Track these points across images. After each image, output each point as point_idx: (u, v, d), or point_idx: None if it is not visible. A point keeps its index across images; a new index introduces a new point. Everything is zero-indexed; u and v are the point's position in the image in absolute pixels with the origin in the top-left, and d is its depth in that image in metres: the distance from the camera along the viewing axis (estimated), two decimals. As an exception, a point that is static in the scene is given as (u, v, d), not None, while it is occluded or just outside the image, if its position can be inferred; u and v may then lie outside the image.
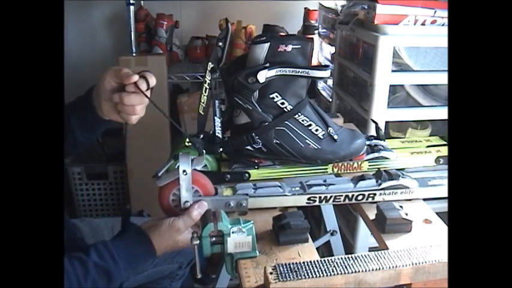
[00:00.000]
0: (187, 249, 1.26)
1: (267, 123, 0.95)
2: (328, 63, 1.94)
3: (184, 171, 0.83)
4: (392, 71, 1.28)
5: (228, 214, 0.85)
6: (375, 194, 0.92)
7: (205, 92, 0.95)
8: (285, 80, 0.92)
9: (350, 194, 0.92)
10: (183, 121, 2.06)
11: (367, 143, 1.04)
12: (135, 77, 0.82)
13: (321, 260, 0.69)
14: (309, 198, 0.91)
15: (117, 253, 0.83)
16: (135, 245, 0.85)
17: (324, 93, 1.94)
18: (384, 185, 0.92)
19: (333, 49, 1.83)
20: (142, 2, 2.18)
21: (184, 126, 2.06)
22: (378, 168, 0.98)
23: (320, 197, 0.91)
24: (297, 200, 0.91)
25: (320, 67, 0.92)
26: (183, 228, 0.85)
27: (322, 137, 0.97)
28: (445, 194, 0.93)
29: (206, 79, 0.94)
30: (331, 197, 0.92)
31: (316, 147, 0.97)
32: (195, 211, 0.85)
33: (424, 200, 0.95)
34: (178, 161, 0.83)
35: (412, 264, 0.70)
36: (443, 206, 1.16)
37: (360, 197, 0.92)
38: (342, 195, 0.92)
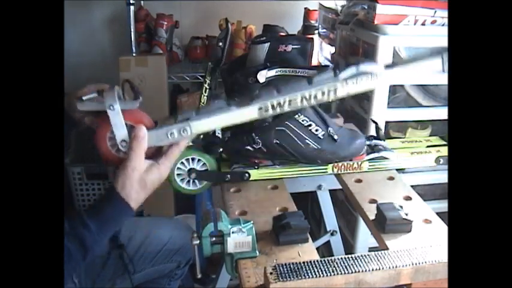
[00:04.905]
0: (185, 248, 1.27)
1: (267, 123, 0.95)
2: (328, 63, 1.93)
3: (110, 106, 0.77)
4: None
5: (228, 214, 0.85)
6: (336, 88, 0.81)
7: (205, 92, 0.95)
8: (285, 80, 0.92)
9: (307, 94, 0.81)
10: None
11: (367, 143, 1.04)
12: None
13: (321, 260, 0.69)
14: (260, 108, 0.82)
15: (88, 217, 0.77)
16: (105, 204, 0.80)
17: (324, 93, 1.94)
18: (343, 75, 0.81)
19: (333, 49, 1.83)
20: (142, 2, 2.18)
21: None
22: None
23: (272, 105, 0.82)
24: (246, 113, 0.82)
25: (320, 67, 0.92)
26: (136, 164, 0.79)
27: (322, 137, 0.97)
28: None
29: (206, 79, 0.94)
30: (284, 102, 0.82)
31: (316, 147, 0.97)
32: (134, 140, 0.79)
33: (424, 200, 0.95)
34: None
35: (412, 264, 0.70)
36: (443, 206, 1.17)
37: (319, 95, 0.81)
38: (297, 98, 0.82)
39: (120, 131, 0.79)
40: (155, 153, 0.82)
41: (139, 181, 0.79)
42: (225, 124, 0.83)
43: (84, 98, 0.81)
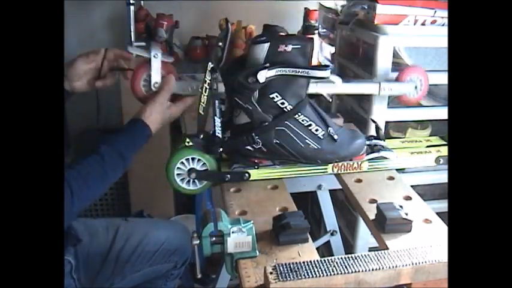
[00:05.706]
0: (182, 249, 1.27)
1: (267, 123, 0.95)
2: (328, 63, 1.93)
3: (155, 54, 1.01)
4: (392, 71, 1.28)
5: (228, 214, 0.85)
6: None
7: (205, 92, 0.95)
8: (285, 80, 0.92)
9: None
10: (183, 121, 2.06)
11: (367, 143, 1.04)
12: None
13: (321, 260, 0.69)
14: None
15: (119, 136, 0.99)
16: (132, 126, 1.00)
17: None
18: None
19: (333, 49, 1.83)
20: (142, 2, 2.18)
21: (184, 126, 2.06)
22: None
23: None
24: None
25: (320, 67, 0.92)
26: (163, 101, 1.02)
27: (322, 137, 0.97)
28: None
29: (206, 79, 0.94)
30: None
31: (316, 147, 0.97)
32: (166, 84, 1.02)
33: (424, 200, 0.95)
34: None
35: (412, 264, 0.70)
36: (443, 206, 1.17)
37: None
38: None
39: (156, 75, 1.03)
40: (173, 99, 1.05)
41: (160, 113, 1.02)
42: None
43: (134, 44, 1.05)
